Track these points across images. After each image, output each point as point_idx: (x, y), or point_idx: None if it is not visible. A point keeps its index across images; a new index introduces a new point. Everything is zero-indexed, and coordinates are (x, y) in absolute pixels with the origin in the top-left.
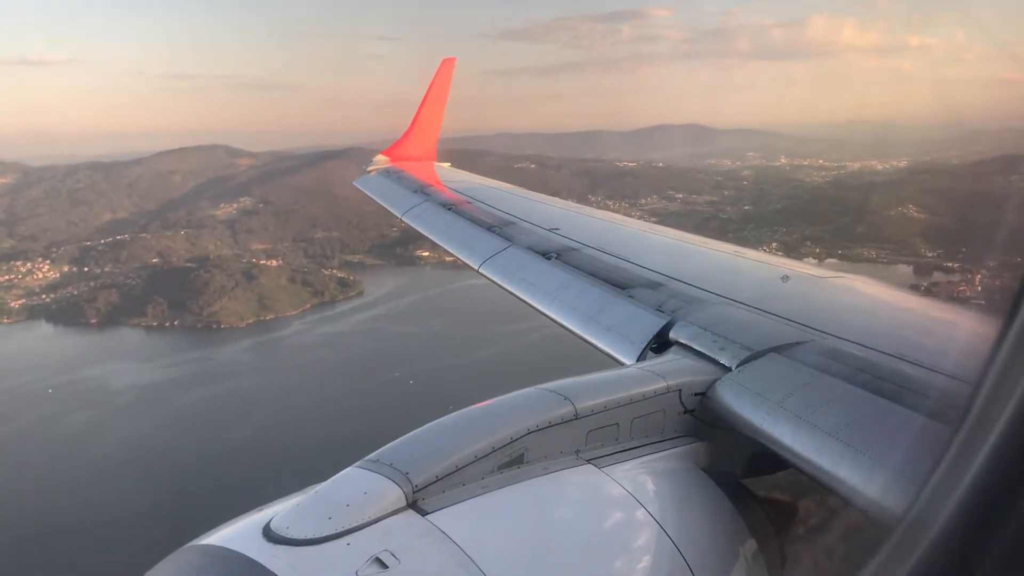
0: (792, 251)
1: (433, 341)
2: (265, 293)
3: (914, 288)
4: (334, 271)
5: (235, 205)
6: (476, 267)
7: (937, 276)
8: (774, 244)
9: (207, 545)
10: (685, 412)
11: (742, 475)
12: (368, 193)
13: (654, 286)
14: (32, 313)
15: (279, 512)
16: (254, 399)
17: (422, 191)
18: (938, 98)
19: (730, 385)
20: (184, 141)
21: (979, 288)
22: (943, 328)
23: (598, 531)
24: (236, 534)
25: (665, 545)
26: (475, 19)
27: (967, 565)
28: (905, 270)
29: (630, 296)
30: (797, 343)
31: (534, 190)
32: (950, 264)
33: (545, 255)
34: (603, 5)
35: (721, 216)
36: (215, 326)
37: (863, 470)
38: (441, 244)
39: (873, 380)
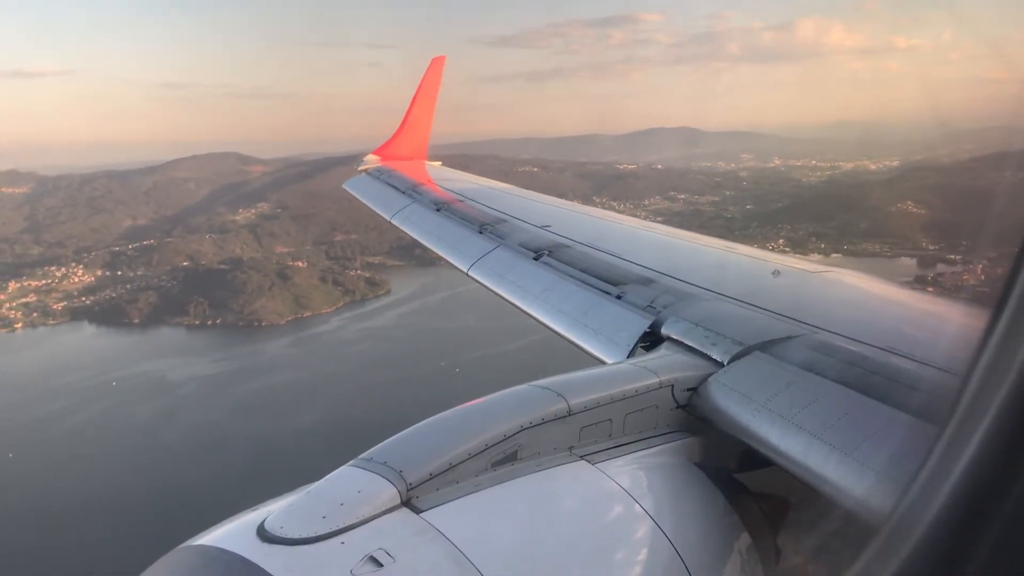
0: (798, 247)
1: (468, 334)
2: (300, 292)
3: (919, 279)
4: (358, 271)
5: (253, 210)
6: (465, 270)
7: (941, 268)
8: (780, 241)
9: (201, 545)
10: (678, 407)
11: (736, 470)
12: (358, 196)
13: (646, 282)
14: (75, 315)
15: (273, 511)
16: (311, 388)
17: (412, 191)
18: (927, 98)
19: (717, 385)
20: (181, 151)
21: (982, 277)
22: (934, 321)
23: (592, 527)
24: (230, 534)
25: (659, 540)
26: (468, 26)
27: (953, 564)
28: (909, 263)
29: (620, 293)
30: (788, 338)
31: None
32: (952, 256)
33: (536, 253)
34: (595, 11)
35: (725, 215)
36: (256, 323)
37: (849, 471)
38: (430, 247)
39: (864, 374)
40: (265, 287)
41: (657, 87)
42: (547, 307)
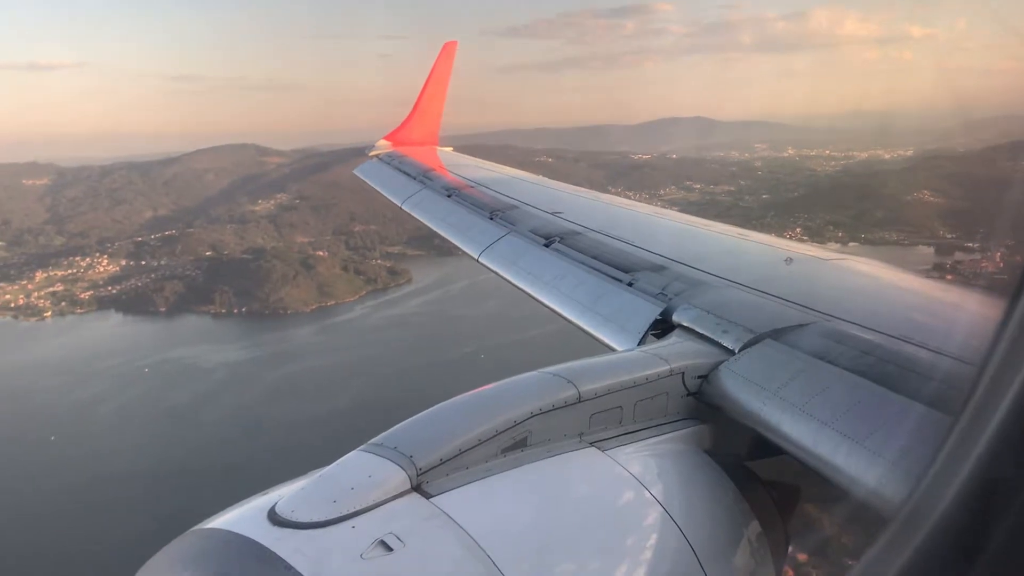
0: (816, 236)
1: (491, 321)
2: (323, 281)
3: (938, 267)
4: (378, 261)
5: (273, 201)
6: (476, 256)
7: (959, 256)
8: (798, 229)
9: (212, 529)
10: (688, 395)
11: (746, 457)
12: (368, 181)
13: (657, 269)
14: (102, 304)
15: (284, 496)
16: (342, 373)
17: (423, 177)
18: (943, 87)
19: (728, 373)
20: (194, 142)
21: (1001, 264)
22: (949, 310)
23: (602, 513)
24: (241, 518)
25: (669, 527)
26: (480, 16)
27: (967, 553)
28: (927, 251)
29: (632, 281)
30: (800, 326)
31: None
32: (970, 244)
33: (547, 239)
34: (607, 1)
35: (741, 205)
36: (282, 312)
37: (860, 460)
38: (441, 233)
39: (877, 363)
40: (289, 276)
41: (670, 77)
42: (558, 294)
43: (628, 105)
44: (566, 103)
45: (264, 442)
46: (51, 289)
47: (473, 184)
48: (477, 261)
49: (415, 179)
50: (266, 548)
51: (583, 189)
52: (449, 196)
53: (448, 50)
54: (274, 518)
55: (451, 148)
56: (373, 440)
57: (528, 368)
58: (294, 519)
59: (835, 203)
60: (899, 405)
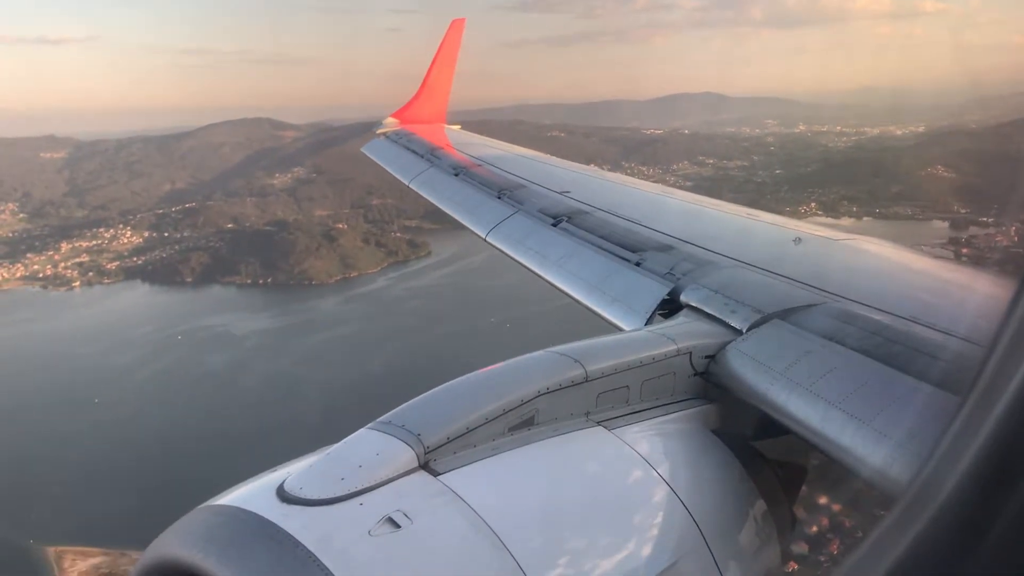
0: (831, 211)
1: (513, 291)
2: (345, 253)
3: (952, 241)
4: (397, 234)
5: (289, 175)
6: (483, 235)
7: (973, 230)
8: (813, 204)
9: (221, 505)
10: (695, 374)
11: (752, 437)
12: (376, 159)
13: (665, 249)
14: (128, 274)
15: (292, 473)
16: (372, 340)
17: (430, 155)
18: (956, 63)
19: (736, 353)
20: (205, 116)
21: (1016, 239)
22: (958, 291)
23: (608, 492)
24: (250, 494)
25: (675, 506)
26: None
27: (972, 534)
28: (941, 225)
29: (640, 260)
30: (808, 306)
31: (567, 158)
32: (984, 219)
33: (555, 219)
34: None
35: (755, 180)
36: (306, 283)
37: (866, 440)
38: (448, 212)
39: (884, 344)
40: (312, 248)
41: (680, 52)
42: (565, 273)
43: (638, 80)
44: (575, 78)
45: (303, 405)
46: (77, 260)
47: (481, 163)
48: (484, 240)
49: (423, 157)
50: (274, 524)
51: (591, 168)
52: (457, 175)
53: (456, 28)
54: (283, 495)
55: (459, 126)
56: (381, 418)
57: (553, 337)
58: (302, 496)
59: (849, 178)
60: (906, 386)
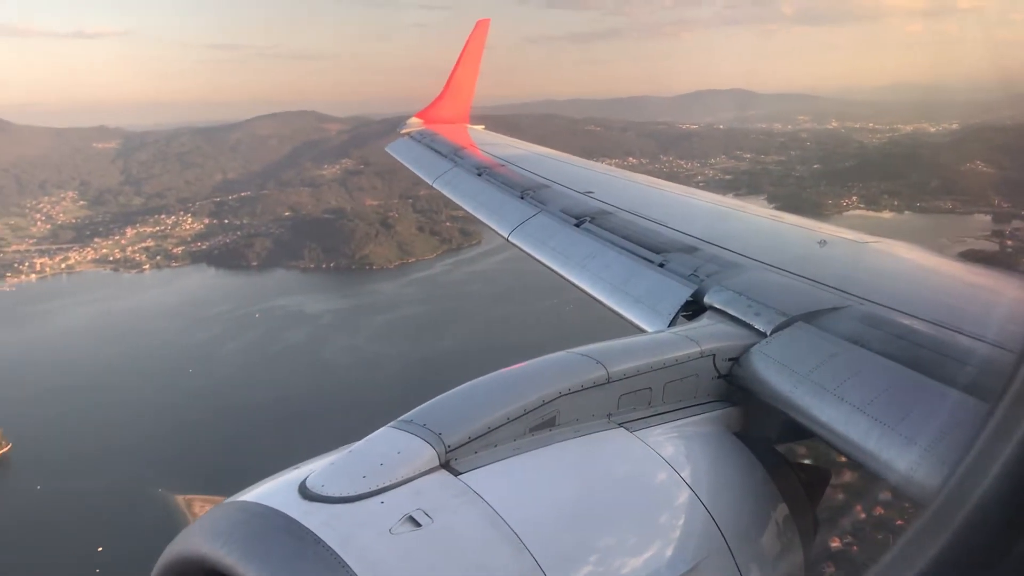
0: (872, 204)
1: None
2: (402, 240)
3: (996, 234)
4: (447, 223)
5: (338, 166)
6: (505, 235)
7: (1016, 223)
8: (854, 198)
9: (244, 502)
10: (719, 377)
11: (776, 441)
12: (400, 159)
13: (689, 250)
14: (194, 258)
15: (315, 470)
16: (438, 320)
17: (454, 155)
18: (989, 60)
19: (760, 355)
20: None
21: None
22: (989, 296)
23: (629, 494)
24: (272, 491)
25: (697, 509)
26: None
27: (1004, 542)
28: (983, 219)
29: (663, 262)
30: (833, 309)
31: (604, 153)
32: None
33: (578, 219)
34: None
35: (793, 174)
36: (367, 267)
37: (892, 445)
38: (471, 211)
39: (911, 348)
40: (371, 235)
41: (708, 49)
42: (588, 274)
43: (666, 76)
44: (603, 74)
45: (383, 376)
46: (143, 244)
47: (504, 163)
48: (507, 240)
49: (446, 157)
50: (296, 521)
51: (614, 168)
52: (480, 175)
53: (480, 28)
54: (304, 492)
55: (482, 126)
56: (403, 417)
57: (613, 319)
58: (324, 493)
59: (888, 173)
60: (934, 391)
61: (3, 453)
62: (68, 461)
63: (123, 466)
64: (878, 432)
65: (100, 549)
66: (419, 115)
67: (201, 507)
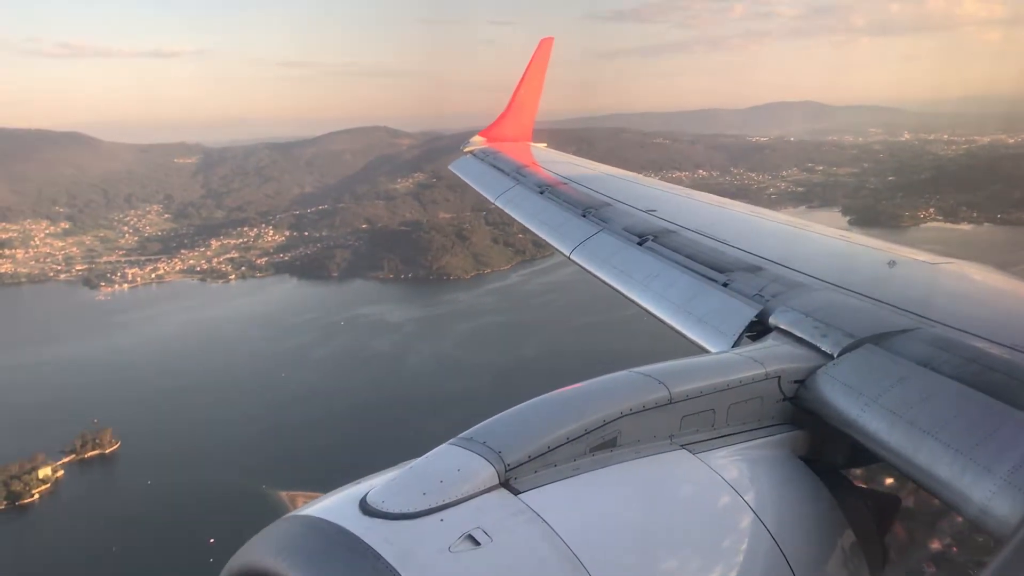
0: (950, 216)
1: None
2: (478, 251)
3: None
4: (520, 235)
5: (411, 180)
6: (567, 253)
7: None
8: (931, 210)
9: (306, 516)
10: (784, 399)
11: (843, 465)
12: (463, 177)
13: (754, 270)
14: (277, 269)
15: (375, 486)
16: (519, 329)
17: (516, 173)
18: None
19: (826, 378)
20: (314, 127)
21: None
22: None
23: (691, 517)
24: (334, 506)
25: (761, 534)
26: (586, 1)
27: None
28: None
29: (727, 281)
30: (902, 331)
31: (673, 165)
32: None
33: (640, 238)
34: None
35: (868, 186)
36: (445, 278)
37: (965, 472)
38: (533, 230)
39: (984, 371)
40: (448, 246)
41: (778, 60)
42: (651, 293)
43: (735, 89)
44: (671, 87)
45: (469, 381)
46: (228, 256)
47: (566, 181)
48: (568, 258)
49: (508, 175)
50: (357, 537)
51: (677, 187)
52: (542, 193)
53: (544, 47)
54: (365, 508)
55: (544, 144)
56: (462, 434)
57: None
58: (384, 509)
59: (966, 185)
60: (1010, 417)
61: (113, 451)
62: (174, 459)
63: (227, 464)
64: (950, 458)
65: (212, 541)
66: (482, 133)
67: (303, 504)
